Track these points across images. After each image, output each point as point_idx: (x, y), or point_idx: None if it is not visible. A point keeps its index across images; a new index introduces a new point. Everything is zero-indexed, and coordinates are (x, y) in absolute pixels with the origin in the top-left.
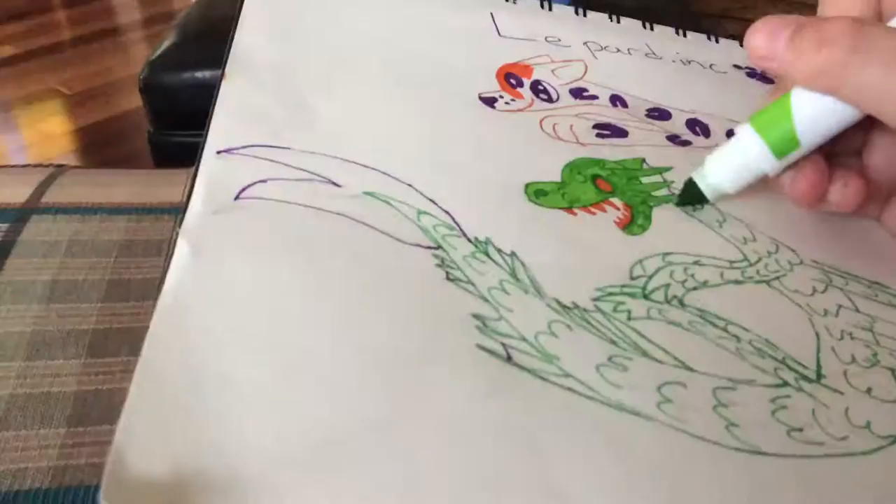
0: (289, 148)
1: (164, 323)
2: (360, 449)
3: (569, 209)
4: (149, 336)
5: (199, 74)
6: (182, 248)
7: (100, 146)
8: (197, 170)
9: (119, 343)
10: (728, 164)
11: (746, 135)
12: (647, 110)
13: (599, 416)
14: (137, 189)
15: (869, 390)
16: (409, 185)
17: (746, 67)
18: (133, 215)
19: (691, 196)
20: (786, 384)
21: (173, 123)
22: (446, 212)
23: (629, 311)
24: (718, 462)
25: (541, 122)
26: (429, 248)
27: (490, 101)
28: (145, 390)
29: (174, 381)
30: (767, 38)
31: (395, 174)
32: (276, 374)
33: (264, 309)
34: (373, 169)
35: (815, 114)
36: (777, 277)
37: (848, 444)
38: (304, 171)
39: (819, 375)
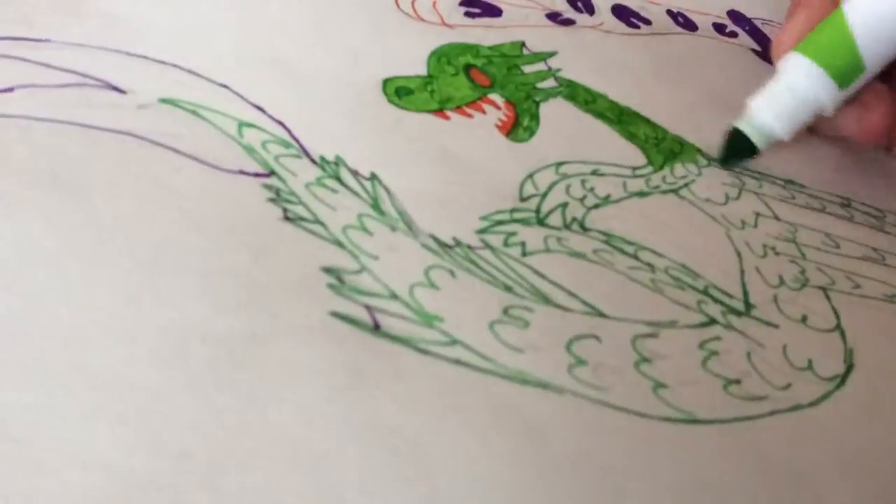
0: (48, 40)
1: None
2: (173, 495)
3: (440, 111)
4: None
5: None
6: None
7: None
8: None
9: None
10: (778, 103)
11: (798, 64)
12: None
13: (498, 395)
14: None
15: (804, 318)
16: (225, 87)
17: None
18: None
19: (736, 149)
20: (713, 321)
21: None
22: (279, 122)
23: (523, 244)
24: (648, 438)
25: None
26: (257, 175)
27: None
28: None
29: None
30: None
31: (203, 72)
32: (36, 395)
33: (12, 287)
34: (172, 66)
35: (879, 25)
36: (686, 185)
37: (792, 393)
38: (72, 72)
39: (748, 306)
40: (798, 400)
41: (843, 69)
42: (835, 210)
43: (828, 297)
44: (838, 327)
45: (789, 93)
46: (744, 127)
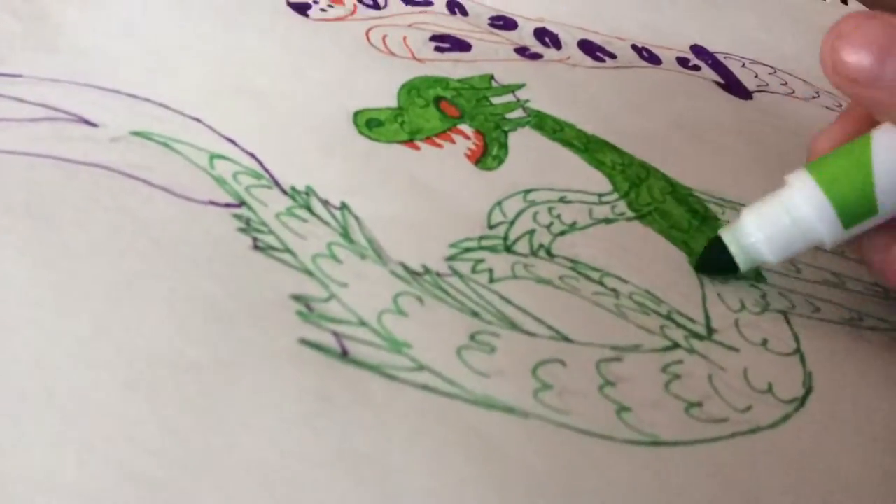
0: (21, 76)
1: None
2: None
3: (410, 142)
4: None
5: None
6: None
7: None
8: None
9: None
10: (773, 226)
11: (804, 190)
12: (490, 18)
13: (464, 420)
14: None
15: (765, 342)
16: (198, 121)
17: None
18: None
19: (716, 261)
20: (676, 346)
21: None
22: (250, 154)
23: (490, 271)
24: (611, 460)
25: (367, 33)
26: (227, 206)
27: (302, 8)
28: None
29: None
30: (875, 56)
31: (176, 106)
32: (3, 420)
33: None
34: (144, 100)
35: None
36: (650, 212)
37: (753, 416)
38: (45, 106)
39: (709, 330)
40: (758, 422)
41: (852, 208)
42: None
43: (788, 321)
44: (798, 351)
45: (787, 217)
46: (729, 241)
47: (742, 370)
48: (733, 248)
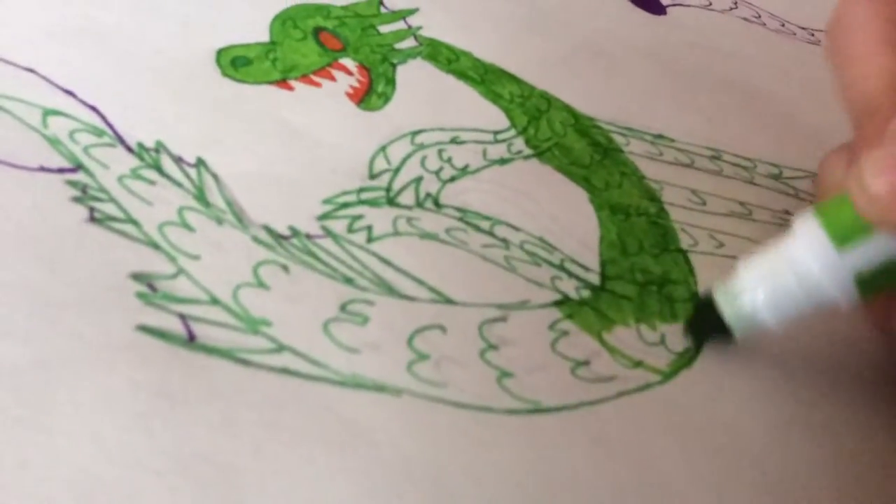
0: None
1: None
2: None
3: (283, 82)
4: None
5: None
6: None
7: None
8: None
9: None
10: (775, 282)
11: (809, 234)
12: None
13: (327, 405)
14: None
15: (661, 287)
16: (31, 71)
17: None
18: None
19: (707, 326)
20: (566, 299)
21: None
22: (91, 107)
23: (369, 229)
24: (489, 434)
25: None
26: (61, 171)
27: None
28: None
29: None
30: None
31: (4, 55)
32: None
33: None
34: None
35: None
36: (549, 148)
37: (642, 371)
38: None
39: (604, 278)
40: (646, 378)
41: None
42: (703, 164)
43: (688, 262)
44: (696, 294)
45: (790, 270)
46: (723, 302)
47: (634, 321)
48: (728, 313)
